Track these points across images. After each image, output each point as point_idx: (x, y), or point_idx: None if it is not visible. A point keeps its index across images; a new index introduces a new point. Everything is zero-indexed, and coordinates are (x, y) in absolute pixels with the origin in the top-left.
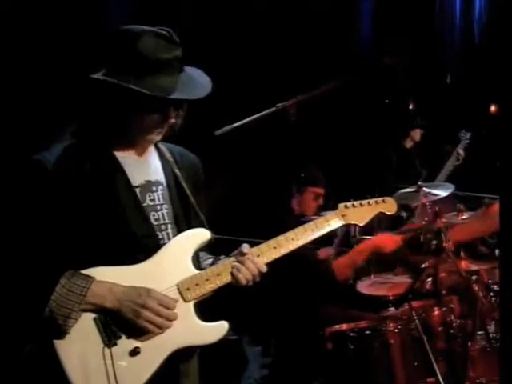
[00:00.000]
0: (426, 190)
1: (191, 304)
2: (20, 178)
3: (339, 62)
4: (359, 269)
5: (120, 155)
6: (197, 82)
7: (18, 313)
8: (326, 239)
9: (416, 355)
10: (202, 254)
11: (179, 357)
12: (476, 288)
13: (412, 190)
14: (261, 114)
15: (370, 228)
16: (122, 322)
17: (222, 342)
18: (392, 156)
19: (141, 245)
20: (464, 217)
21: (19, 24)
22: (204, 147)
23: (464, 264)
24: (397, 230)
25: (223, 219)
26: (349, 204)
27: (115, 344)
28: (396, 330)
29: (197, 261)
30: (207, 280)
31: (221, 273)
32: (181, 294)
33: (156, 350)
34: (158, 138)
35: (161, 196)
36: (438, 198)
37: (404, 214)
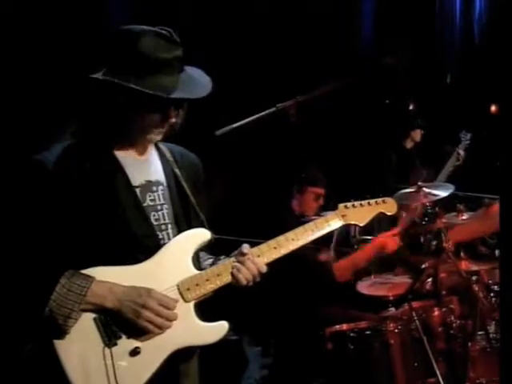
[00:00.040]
0: (426, 190)
1: (191, 304)
2: (20, 177)
3: (339, 62)
4: (360, 270)
5: (120, 155)
6: (197, 82)
7: (18, 312)
8: (326, 239)
9: (416, 355)
10: (202, 254)
11: (179, 357)
12: (476, 288)
13: (412, 190)
14: (261, 114)
15: (370, 228)
16: (122, 322)
17: (222, 342)
18: (392, 156)
19: (141, 245)
20: (464, 217)
21: (19, 24)
22: (204, 147)
23: (464, 264)
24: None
25: (223, 219)
26: (349, 204)
27: (115, 344)
28: (396, 331)
29: (197, 261)
30: (207, 280)
31: (221, 273)
32: (181, 294)
33: (156, 350)
34: (159, 137)
35: (161, 196)
36: (438, 198)
37: (404, 215)
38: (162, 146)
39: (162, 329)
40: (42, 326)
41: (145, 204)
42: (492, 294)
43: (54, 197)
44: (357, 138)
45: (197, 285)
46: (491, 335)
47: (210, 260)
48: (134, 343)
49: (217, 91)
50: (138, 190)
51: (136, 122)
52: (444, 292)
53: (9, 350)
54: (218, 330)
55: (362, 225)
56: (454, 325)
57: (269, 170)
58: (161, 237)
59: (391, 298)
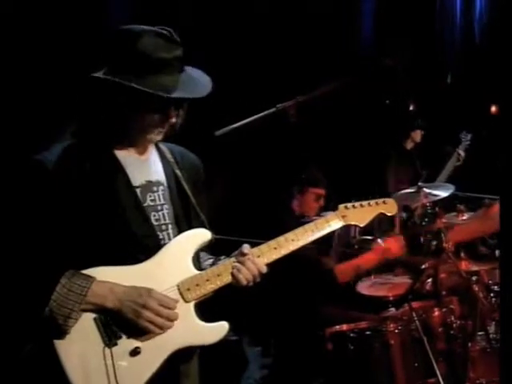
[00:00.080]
0: (427, 190)
1: (191, 304)
2: (21, 177)
3: (339, 62)
4: (362, 273)
5: (121, 155)
6: (197, 82)
7: (19, 312)
8: (326, 240)
9: (416, 356)
10: (203, 255)
11: (179, 357)
12: (476, 289)
13: (412, 190)
14: (261, 114)
15: (370, 228)
16: (122, 322)
17: (222, 343)
18: (392, 157)
19: (141, 245)
20: (464, 217)
21: (19, 24)
22: (204, 148)
23: (464, 265)
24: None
25: (223, 220)
26: (349, 205)
27: (115, 344)
28: (396, 331)
29: (197, 261)
30: (207, 280)
31: (221, 273)
32: (181, 294)
33: (156, 350)
34: (159, 137)
35: (161, 196)
36: (438, 198)
37: (404, 215)
38: (162, 146)
39: (162, 329)
40: (43, 325)
41: (145, 204)
42: (492, 295)
43: (54, 197)
44: (357, 138)
45: (197, 285)
46: (491, 335)
47: (210, 260)
48: (135, 343)
49: (217, 91)
50: (138, 191)
51: (136, 121)
52: (444, 292)
53: (9, 349)
54: (218, 330)
55: (362, 225)
56: (454, 325)
57: (269, 171)
58: (161, 237)
59: (391, 299)
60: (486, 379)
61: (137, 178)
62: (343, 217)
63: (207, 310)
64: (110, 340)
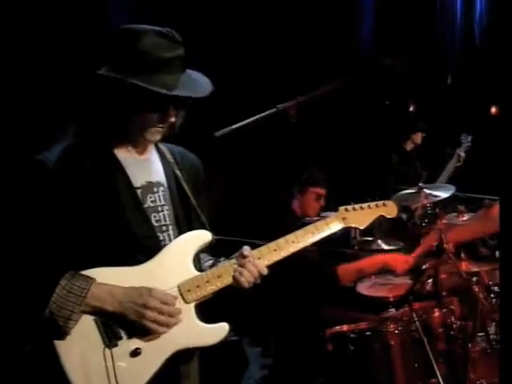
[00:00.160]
0: (427, 191)
1: (192, 305)
2: (21, 177)
3: (339, 62)
4: (364, 276)
5: (121, 155)
6: (197, 83)
7: (19, 314)
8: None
9: (416, 356)
10: (203, 256)
11: (180, 358)
12: (476, 289)
13: (412, 191)
14: (261, 115)
15: (371, 229)
16: (122, 323)
17: (223, 343)
18: (393, 158)
19: (141, 246)
20: (464, 218)
21: (19, 24)
22: (204, 148)
23: (464, 265)
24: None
25: (224, 220)
26: (349, 207)
27: (116, 345)
28: (396, 332)
29: (198, 262)
30: (208, 282)
31: (221, 275)
32: (182, 295)
33: (157, 351)
34: (158, 137)
35: (162, 197)
36: (438, 199)
37: (404, 216)
38: (162, 146)
39: (166, 327)
40: (43, 327)
41: (145, 205)
42: (492, 295)
43: (54, 197)
44: (357, 138)
45: (197, 286)
46: (491, 336)
47: (211, 261)
48: (135, 344)
49: (217, 92)
50: (138, 191)
51: (136, 121)
52: (444, 293)
53: (9, 350)
54: (218, 331)
55: (362, 228)
56: (455, 326)
57: (269, 171)
58: (161, 238)
59: (391, 299)
60: (486, 380)
61: (137, 179)
62: (343, 219)
63: (207, 310)
64: (110, 341)
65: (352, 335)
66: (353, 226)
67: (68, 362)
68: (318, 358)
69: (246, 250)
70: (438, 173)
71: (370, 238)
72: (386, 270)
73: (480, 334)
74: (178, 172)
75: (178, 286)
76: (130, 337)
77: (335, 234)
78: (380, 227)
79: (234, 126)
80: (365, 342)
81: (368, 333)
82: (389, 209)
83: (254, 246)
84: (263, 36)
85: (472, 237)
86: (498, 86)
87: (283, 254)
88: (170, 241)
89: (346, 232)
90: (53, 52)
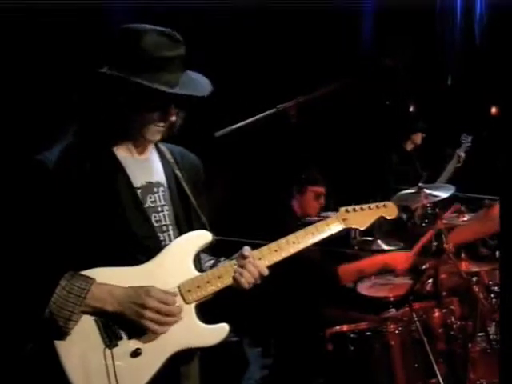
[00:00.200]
0: (427, 191)
1: (192, 306)
2: (21, 177)
3: (339, 62)
4: (365, 276)
5: (121, 155)
6: (197, 83)
7: (19, 314)
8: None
9: (416, 357)
10: (203, 256)
11: (180, 359)
12: (476, 289)
13: (412, 191)
14: (261, 115)
15: (371, 229)
16: (123, 323)
17: (223, 344)
18: (393, 158)
19: (142, 246)
20: (465, 218)
21: (19, 24)
22: (204, 148)
23: (464, 265)
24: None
25: (224, 220)
26: (350, 208)
27: (116, 345)
28: (396, 332)
29: (198, 262)
30: (208, 282)
31: (222, 275)
32: (182, 295)
33: (157, 352)
34: (158, 137)
35: (162, 197)
36: (438, 199)
37: (404, 216)
38: (162, 146)
39: (165, 325)
40: (43, 327)
41: (145, 205)
42: (492, 295)
43: (54, 197)
44: (357, 138)
45: (198, 287)
46: (491, 336)
47: (211, 262)
48: (135, 344)
49: (217, 92)
50: (139, 192)
51: (136, 121)
52: (444, 293)
53: (9, 350)
54: (218, 332)
55: (362, 229)
56: (455, 326)
57: (269, 171)
58: (162, 238)
59: (392, 299)
60: (486, 380)
61: (137, 179)
62: (344, 220)
63: (208, 311)
64: (110, 341)
65: (352, 335)
66: (353, 226)
67: (68, 363)
68: (318, 358)
69: (247, 250)
70: (438, 173)
71: (370, 238)
72: (386, 270)
73: (480, 334)
74: (178, 172)
75: (179, 287)
76: (130, 337)
77: (335, 234)
78: (380, 227)
79: (234, 126)
80: (365, 342)
81: (368, 333)
82: (389, 210)
83: (254, 247)
84: (263, 36)
85: (473, 237)
86: (498, 86)
87: (284, 254)
88: (170, 241)
89: (346, 232)
90: (53, 52)
